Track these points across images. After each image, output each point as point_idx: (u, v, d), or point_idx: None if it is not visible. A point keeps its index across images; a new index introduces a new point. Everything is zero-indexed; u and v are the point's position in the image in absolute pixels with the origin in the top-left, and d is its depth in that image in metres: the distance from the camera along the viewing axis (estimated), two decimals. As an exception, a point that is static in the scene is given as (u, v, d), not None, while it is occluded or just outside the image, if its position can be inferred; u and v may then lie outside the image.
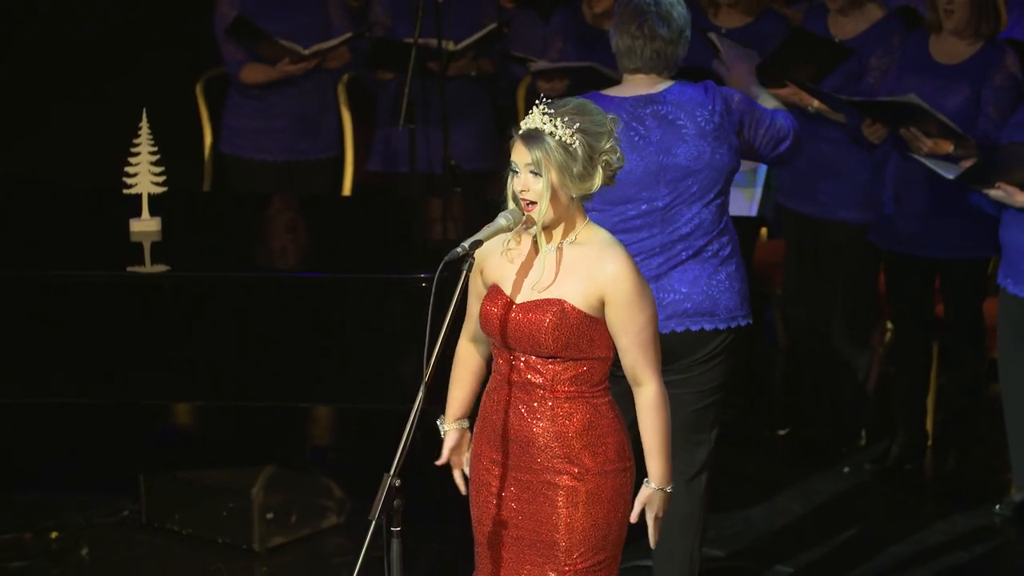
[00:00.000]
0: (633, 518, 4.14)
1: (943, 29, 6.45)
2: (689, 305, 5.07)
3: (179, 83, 8.10)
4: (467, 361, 4.31)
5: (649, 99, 5.08)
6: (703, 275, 5.08)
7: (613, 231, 4.95)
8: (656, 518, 4.14)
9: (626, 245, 4.95)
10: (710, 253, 5.08)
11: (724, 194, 5.12)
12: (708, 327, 5.09)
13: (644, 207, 5.05)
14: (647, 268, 5.03)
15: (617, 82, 6.92)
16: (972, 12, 6.38)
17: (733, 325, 5.11)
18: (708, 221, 5.07)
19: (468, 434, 4.33)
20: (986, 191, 6.10)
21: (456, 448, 4.35)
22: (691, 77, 5.26)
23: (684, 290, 5.07)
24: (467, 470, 4.32)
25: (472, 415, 4.33)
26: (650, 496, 4.13)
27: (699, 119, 5.04)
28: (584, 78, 7.01)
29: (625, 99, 5.08)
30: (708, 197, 5.07)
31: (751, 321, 5.18)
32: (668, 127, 5.05)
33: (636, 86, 5.11)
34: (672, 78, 5.13)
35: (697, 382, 5.13)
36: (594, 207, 4.95)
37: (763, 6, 7.12)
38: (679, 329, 5.08)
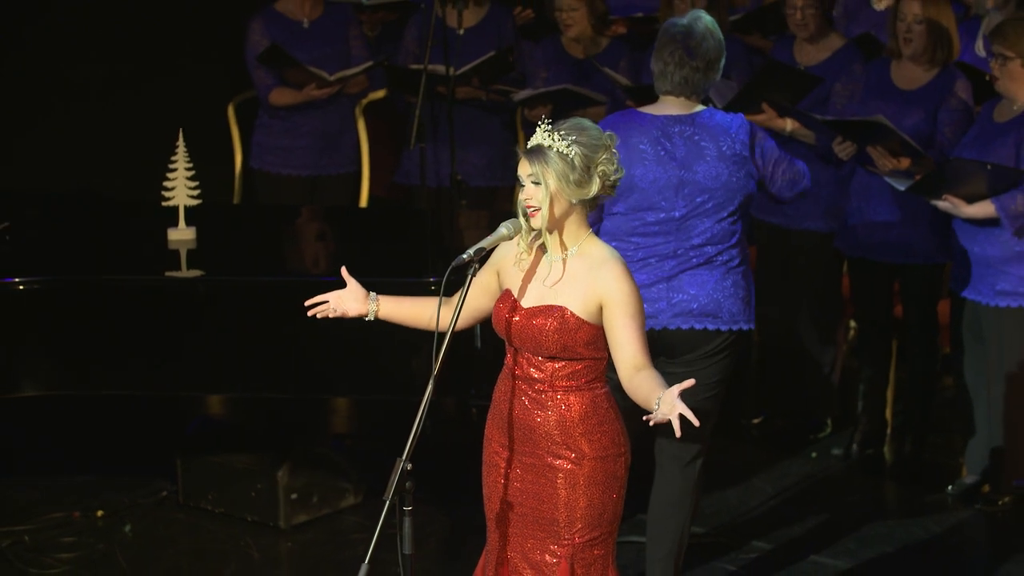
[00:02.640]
0: (668, 415, 3.87)
1: (902, 56, 6.48)
2: (695, 306, 5.09)
3: (213, 105, 8.11)
4: (430, 309, 4.26)
5: (679, 119, 5.11)
6: (711, 280, 5.10)
7: (632, 234, 5.05)
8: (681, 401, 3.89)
9: (643, 248, 5.05)
10: (719, 262, 5.11)
11: (739, 212, 5.14)
12: (711, 327, 5.10)
13: (662, 215, 5.08)
14: (660, 269, 5.08)
15: (591, 100, 7.00)
16: (928, 40, 6.40)
17: (735, 328, 5.13)
18: (720, 234, 5.10)
19: (365, 306, 4.32)
20: (934, 202, 6.13)
21: (348, 290, 4.33)
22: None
23: (692, 292, 5.09)
24: (336, 307, 4.32)
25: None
26: (667, 395, 3.85)
27: (722, 144, 5.07)
28: (566, 99, 7.02)
29: (657, 117, 5.12)
30: (722, 214, 5.09)
31: (752, 326, 5.19)
32: (693, 147, 5.08)
33: (669, 106, 5.15)
34: (703, 102, 5.17)
35: (698, 376, 5.12)
36: (619, 211, 5.03)
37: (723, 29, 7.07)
38: (684, 327, 5.10)
